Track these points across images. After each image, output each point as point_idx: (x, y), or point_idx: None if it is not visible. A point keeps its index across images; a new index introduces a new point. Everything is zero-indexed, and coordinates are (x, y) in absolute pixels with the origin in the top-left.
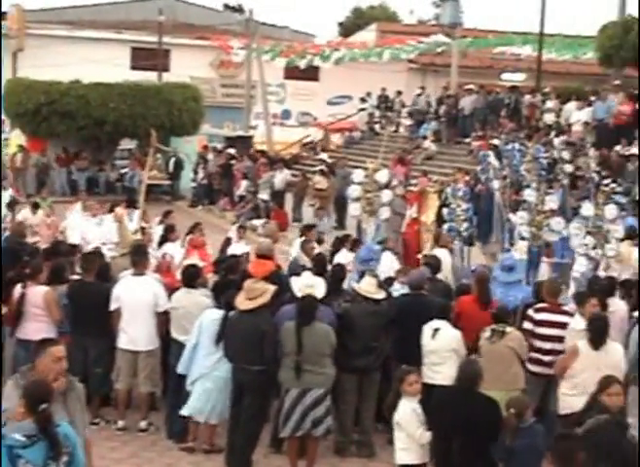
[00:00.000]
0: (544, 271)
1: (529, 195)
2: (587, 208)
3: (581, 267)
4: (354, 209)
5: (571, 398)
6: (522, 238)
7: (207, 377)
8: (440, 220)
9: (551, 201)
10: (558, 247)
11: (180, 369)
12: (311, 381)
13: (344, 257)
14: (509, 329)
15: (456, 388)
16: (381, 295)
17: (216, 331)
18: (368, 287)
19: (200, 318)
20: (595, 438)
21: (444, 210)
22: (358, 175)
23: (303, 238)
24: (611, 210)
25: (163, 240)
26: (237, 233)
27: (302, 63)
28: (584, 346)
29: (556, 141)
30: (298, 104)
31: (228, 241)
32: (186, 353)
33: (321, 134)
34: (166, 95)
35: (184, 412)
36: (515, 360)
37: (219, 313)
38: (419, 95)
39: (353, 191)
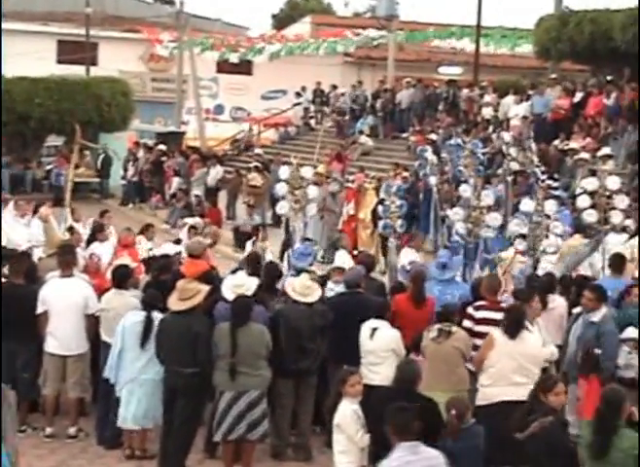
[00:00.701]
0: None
1: (464, 190)
2: (527, 204)
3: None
4: (281, 207)
5: (488, 389)
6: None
7: (135, 381)
8: (376, 217)
9: (487, 197)
10: (495, 243)
11: (107, 375)
12: (246, 384)
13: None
14: (455, 328)
15: (395, 389)
16: (314, 297)
17: (139, 333)
18: (301, 289)
19: (122, 321)
20: (546, 441)
21: (380, 207)
22: (284, 172)
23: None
24: (551, 205)
25: (91, 240)
26: (188, 233)
27: (234, 57)
28: (499, 336)
29: (503, 136)
30: (231, 99)
31: (177, 243)
32: (111, 359)
33: (255, 130)
34: (94, 90)
35: (118, 423)
36: (461, 360)
37: (141, 315)
38: (353, 88)
39: (280, 188)
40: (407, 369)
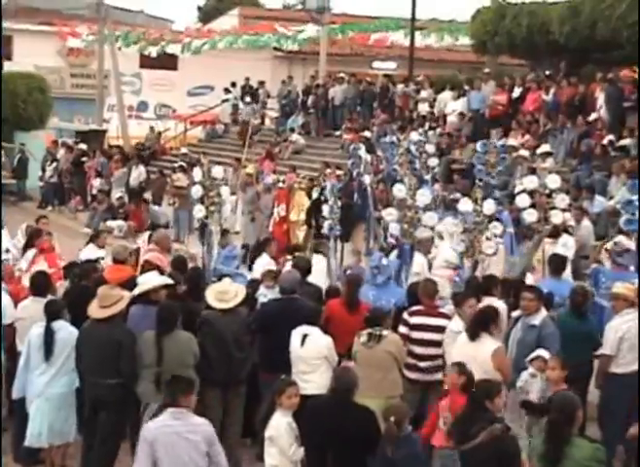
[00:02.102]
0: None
1: (398, 190)
2: (464, 203)
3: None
4: (198, 211)
5: None
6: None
7: (42, 396)
8: (310, 218)
9: (423, 196)
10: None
11: (15, 393)
12: None
13: (267, 262)
14: (386, 332)
15: (330, 398)
16: (234, 302)
17: (42, 345)
18: (220, 295)
19: (28, 335)
20: (497, 450)
21: (325, 207)
22: (197, 173)
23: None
24: (489, 205)
25: (27, 247)
26: (148, 241)
27: (154, 51)
28: (462, 336)
29: (431, 133)
30: (155, 95)
31: (137, 251)
32: (18, 374)
33: (182, 127)
34: (9, 86)
35: (26, 442)
36: (393, 365)
37: (43, 326)
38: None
39: (196, 191)
40: (344, 377)
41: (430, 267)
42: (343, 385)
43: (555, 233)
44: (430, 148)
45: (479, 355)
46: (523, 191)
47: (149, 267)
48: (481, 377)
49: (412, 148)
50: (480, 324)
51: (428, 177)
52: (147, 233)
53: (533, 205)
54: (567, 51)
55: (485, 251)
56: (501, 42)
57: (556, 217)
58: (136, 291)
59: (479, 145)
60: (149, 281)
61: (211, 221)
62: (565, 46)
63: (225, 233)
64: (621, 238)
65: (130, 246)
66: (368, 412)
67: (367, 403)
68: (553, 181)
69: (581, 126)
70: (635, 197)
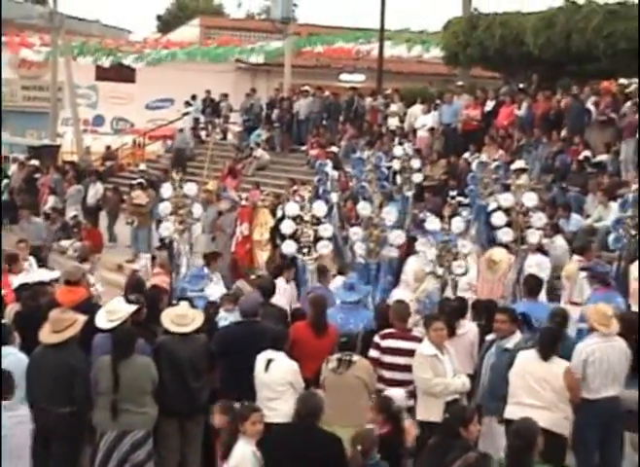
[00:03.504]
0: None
1: (363, 208)
2: (432, 222)
3: (427, 286)
4: (164, 229)
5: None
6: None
7: None
8: (274, 238)
9: (389, 214)
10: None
11: None
12: (130, 423)
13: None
14: (356, 358)
15: (295, 424)
16: (192, 326)
17: None
18: (177, 318)
19: None
20: None
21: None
22: (166, 190)
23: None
24: (458, 223)
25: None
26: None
27: (107, 62)
28: (528, 357)
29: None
30: (112, 109)
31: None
32: None
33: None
34: None
35: None
36: (363, 392)
37: None
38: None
39: (164, 208)
40: (309, 402)
41: None
42: (308, 410)
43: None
44: (415, 163)
45: (549, 375)
46: (499, 208)
47: (157, 291)
48: (552, 397)
49: (394, 163)
50: (551, 344)
51: (409, 194)
52: (147, 256)
53: (509, 224)
54: (541, 63)
55: (455, 271)
56: (473, 53)
57: (533, 236)
58: (107, 324)
59: (475, 165)
60: (119, 311)
61: (180, 240)
62: (539, 58)
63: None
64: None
65: (84, 267)
66: (333, 437)
67: (336, 431)
68: (530, 199)
69: (556, 142)
70: (628, 214)
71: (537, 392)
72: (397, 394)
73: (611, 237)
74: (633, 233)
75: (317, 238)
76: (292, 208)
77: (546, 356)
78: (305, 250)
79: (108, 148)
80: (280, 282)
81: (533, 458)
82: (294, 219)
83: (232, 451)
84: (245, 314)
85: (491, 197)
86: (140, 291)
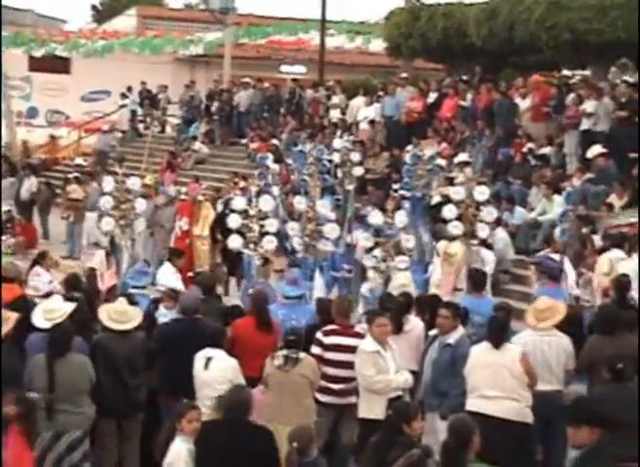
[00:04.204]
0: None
1: (299, 202)
2: (375, 216)
3: (370, 282)
4: (106, 224)
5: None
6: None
7: None
8: (215, 232)
9: (324, 207)
10: (341, 260)
11: None
12: (66, 423)
13: (171, 272)
14: (302, 355)
15: (225, 419)
16: (132, 324)
17: None
18: (116, 315)
19: None
20: None
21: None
22: (108, 184)
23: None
24: (401, 217)
25: None
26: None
27: (39, 53)
28: (481, 347)
29: (341, 141)
30: (46, 101)
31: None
32: None
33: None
34: None
35: None
36: (308, 390)
37: None
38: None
39: (105, 202)
40: (235, 396)
41: None
42: (237, 405)
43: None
44: (355, 156)
45: (506, 362)
46: (441, 202)
47: (95, 289)
48: (513, 384)
49: (335, 156)
50: (500, 332)
51: (350, 187)
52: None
53: (459, 218)
54: (484, 54)
55: (398, 265)
56: (415, 45)
57: (483, 231)
58: (45, 323)
59: (408, 157)
60: (57, 309)
61: (121, 235)
62: (482, 49)
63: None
64: (545, 252)
65: (20, 264)
66: (264, 431)
67: (279, 430)
68: (481, 193)
69: (499, 134)
70: (571, 208)
71: (498, 382)
72: None
73: (557, 230)
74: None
75: (263, 233)
76: (238, 202)
77: (498, 344)
78: (251, 245)
79: (52, 138)
80: None
81: (468, 456)
82: (240, 213)
83: (169, 449)
84: (185, 311)
85: (426, 189)
86: (77, 288)
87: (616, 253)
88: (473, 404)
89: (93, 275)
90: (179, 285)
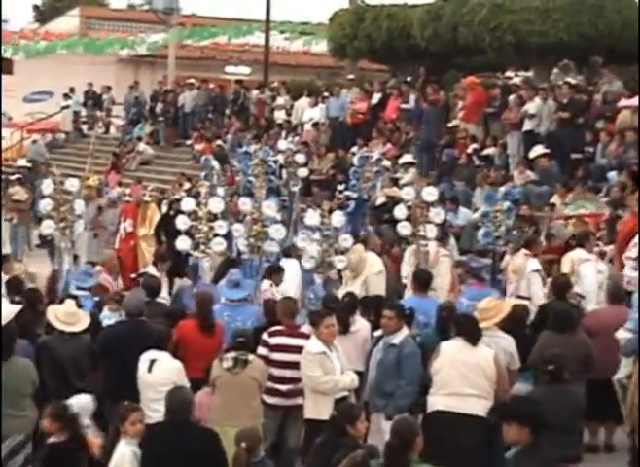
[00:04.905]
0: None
1: (244, 203)
2: (312, 216)
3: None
4: (46, 227)
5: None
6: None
7: None
8: (160, 233)
9: (268, 208)
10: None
11: None
12: (9, 427)
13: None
14: (251, 357)
15: (168, 421)
16: (81, 325)
17: None
18: (65, 317)
19: None
20: None
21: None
22: (47, 186)
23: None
24: (338, 217)
25: None
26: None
27: None
28: (455, 344)
29: (285, 142)
30: None
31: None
32: None
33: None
34: None
35: None
36: (256, 392)
37: None
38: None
39: (46, 205)
40: (176, 397)
41: None
42: (179, 406)
43: None
44: (300, 157)
45: (482, 361)
46: (391, 203)
47: (101, 291)
48: (485, 383)
49: (280, 157)
50: (476, 329)
51: (295, 189)
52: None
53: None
54: (428, 55)
55: (337, 266)
56: (360, 46)
57: (431, 231)
58: None
59: (356, 159)
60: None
61: (61, 238)
62: (426, 50)
63: None
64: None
65: None
66: (209, 432)
67: (227, 432)
68: (430, 194)
69: (443, 135)
70: (492, 209)
71: (473, 380)
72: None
73: (480, 232)
74: (504, 227)
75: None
76: (187, 203)
77: (474, 342)
78: (200, 247)
79: None
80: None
81: (411, 458)
82: (189, 215)
83: (115, 451)
84: (130, 314)
85: (372, 190)
86: (20, 292)
87: (579, 253)
88: (441, 401)
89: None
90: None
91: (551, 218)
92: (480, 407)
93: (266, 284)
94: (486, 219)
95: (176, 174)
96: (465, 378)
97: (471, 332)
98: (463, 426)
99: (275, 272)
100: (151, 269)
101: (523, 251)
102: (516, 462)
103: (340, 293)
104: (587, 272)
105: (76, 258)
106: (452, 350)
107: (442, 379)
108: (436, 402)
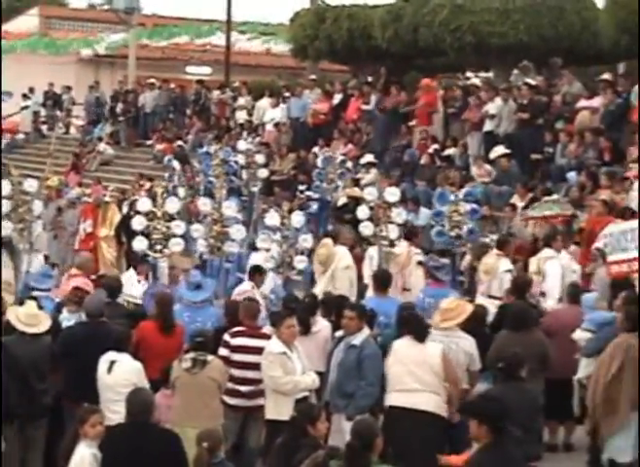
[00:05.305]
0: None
1: (204, 204)
2: (272, 217)
3: (271, 283)
4: (4, 228)
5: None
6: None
7: None
8: (120, 235)
9: (228, 209)
10: (247, 261)
11: None
12: None
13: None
14: (210, 357)
15: (129, 423)
16: (43, 327)
17: None
18: (26, 318)
19: None
20: None
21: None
22: (4, 187)
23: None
24: (298, 218)
25: None
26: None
27: None
28: (404, 341)
29: (245, 143)
30: None
31: None
32: None
33: None
34: None
35: None
36: (216, 393)
37: None
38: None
39: (3, 206)
40: (136, 398)
41: None
42: (139, 407)
43: None
44: (260, 158)
45: (427, 357)
46: (353, 203)
47: (80, 293)
48: (433, 379)
49: (240, 158)
50: (424, 326)
51: (255, 189)
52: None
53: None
54: (389, 56)
55: (297, 266)
56: (321, 47)
57: (393, 232)
58: None
59: (320, 160)
60: None
61: (19, 239)
62: (387, 51)
63: None
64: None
65: None
66: (169, 433)
67: (187, 433)
68: (392, 194)
69: (405, 135)
70: (444, 208)
71: (419, 376)
72: None
73: (433, 231)
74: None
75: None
76: (144, 204)
77: (422, 338)
78: (158, 247)
79: None
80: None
81: (371, 458)
82: (146, 215)
83: (73, 454)
84: (90, 314)
85: (336, 192)
86: None
87: (545, 252)
88: (393, 398)
89: None
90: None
91: (512, 218)
92: (430, 402)
93: (247, 285)
94: (439, 218)
95: (136, 174)
96: (412, 375)
97: (417, 329)
98: (413, 421)
99: (258, 274)
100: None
101: (495, 251)
102: (477, 459)
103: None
104: (552, 270)
105: (47, 258)
106: (400, 348)
107: (393, 377)
108: (389, 399)
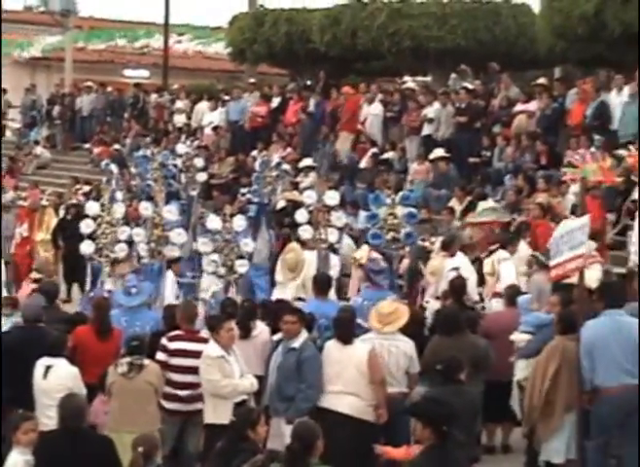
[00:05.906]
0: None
1: (145, 208)
2: (213, 221)
3: (211, 287)
4: None
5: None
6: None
7: None
8: (57, 238)
9: (169, 213)
10: (186, 265)
11: None
12: None
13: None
14: (147, 362)
15: (61, 429)
16: None
17: None
18: None
19: None
20: None
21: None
22: None
23: None
24: (239, 222)
25: None
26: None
27: None
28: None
29: (183, 147)
30: None
31: None
32: None
33: None
34: None
35: None
36: (153, 397)
37: None
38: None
39: None
40: (68, 404)
41: None
42: (71, 413)
43: None
44: (199, 162)
45: (354, 358)
46: (292, 206)
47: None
48: (357, 379)
49: (178, 161)
50: (348, 329)
51: (194, 193)
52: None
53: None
54: (328, 60)
55: (238, 270)
56: (260, 50)
57: (333, 235)
58: None
59: (257, 164)
60: None
61: None
62: (326, 55)
63: None
64: (375, 255)
65: None
66: (102, 438)
67: (123, 437)
68: (331, 197)
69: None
70: (380, 211)
71: (343, 377)
72: None
73: (369, 233)
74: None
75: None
76: (92, 208)
77: (346, 340)
78: (103, 251)
79: None
80: None
81: (312, 461)
82: (94, 219)
83: (7, 461)
84: (27, 319)
85: (273, 194)
86: None
87: (500, 254)
88: (323, 399)
89: None
90: None
91: (450, 221)
92: (345, 403)
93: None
94: (373, 221)
95: (72, 178)
96: (339, 377)
97: (342, 331)
98: (336, 423)
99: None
100: None
101: (441, 252)
102: (420, 461)
103: (278, 293)
104: (507, 272)
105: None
106: (329, 350)
107: (324, 379)
108: (321, 400)
